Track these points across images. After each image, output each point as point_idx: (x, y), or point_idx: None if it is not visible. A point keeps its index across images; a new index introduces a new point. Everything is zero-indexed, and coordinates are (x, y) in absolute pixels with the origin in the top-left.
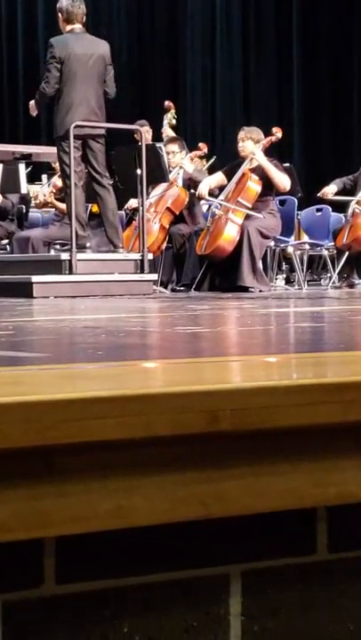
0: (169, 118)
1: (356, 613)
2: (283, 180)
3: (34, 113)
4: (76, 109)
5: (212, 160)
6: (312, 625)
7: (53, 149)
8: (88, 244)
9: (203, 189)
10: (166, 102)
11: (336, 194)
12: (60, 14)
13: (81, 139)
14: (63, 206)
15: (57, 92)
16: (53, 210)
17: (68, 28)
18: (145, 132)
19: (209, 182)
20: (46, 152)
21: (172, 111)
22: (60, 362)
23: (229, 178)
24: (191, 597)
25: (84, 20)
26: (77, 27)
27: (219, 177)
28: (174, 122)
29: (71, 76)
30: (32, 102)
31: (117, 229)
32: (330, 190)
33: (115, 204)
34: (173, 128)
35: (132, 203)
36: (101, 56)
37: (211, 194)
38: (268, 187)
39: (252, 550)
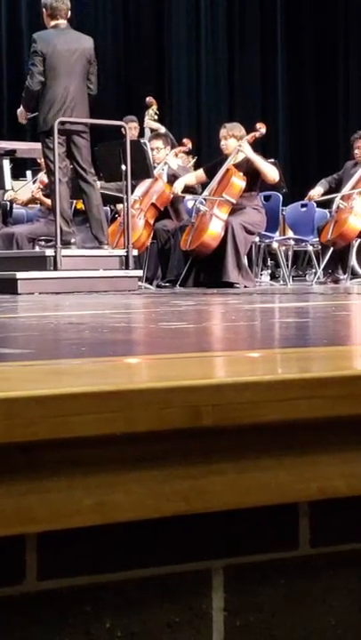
0: (150, 114)
1: (339, 608)
2: (271, 171)
3: (23, 120)
4: (59, 105)
5: (194, 160)
6: (294, 620)
7: (38, 145)
8: (73, 240)
9: (177, 187)
10: (148, 98)
11: (323, 194)
12: (44, 9)
13: (65, 134)
14: (50, 202)
15: (41, 87)
16: (38, 206)
17: (52, 23)
18: (133, 129)
19: (185, 180)
20: (31, 148)
21: (154, 107)
22: (43, 358)
23: (211, 175)
24: (173, 592)
25: (69, 15)
26: (61, 22)
27: (199, 173)
28: (156, 117)
29: (54, 72)
30: (19, 110)
31: (102, 225)
32: (316, 193)
33: (100, 199)
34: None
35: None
36: (85, 52)
37: (193, 191)
38: (253, 182)
39: (235, 545)
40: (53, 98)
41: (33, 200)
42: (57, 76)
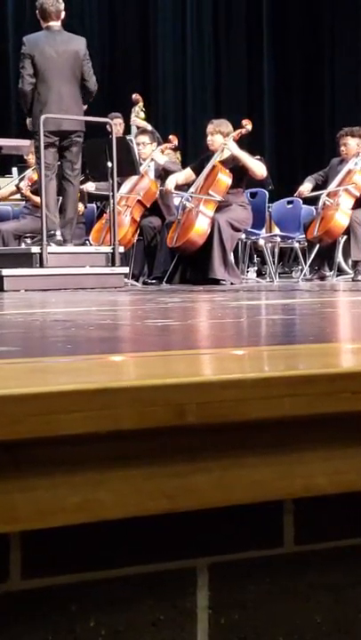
0: (136, 111)
1: (323, 606)
2: (258, 167)
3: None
4: (50, 107)
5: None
6: (279, 617)
7: (24, 142)
8: (58, 233)
9: (169, 184)
10: (134, 95)
11: (311, 191)
12: (37, 12)
13: (58, 135)
14: (38, 199)
15: (33, 90)
16: (23, 203)
17: (45, 25)
18: (118, 125)
19: (176, 177)
20: (16, 145)
21: (140, 104)
22: (29, 355)
23: (198, 173)
24: (158, 591)
25: (62, 16)
26: (53, 24)
27: (187, 172)
28: (142, 114)
29: (44, 74)
30: (28, 120)
31: (72, 224)
32: (305, 189)
33: (77, 202)
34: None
35: (88, 186)
36: (74, 52)
37: (180, 189)
38: (239, 178)
39: (220, 543)
40: (45, 99)
41: (10, 194)
42: (46, 79)
